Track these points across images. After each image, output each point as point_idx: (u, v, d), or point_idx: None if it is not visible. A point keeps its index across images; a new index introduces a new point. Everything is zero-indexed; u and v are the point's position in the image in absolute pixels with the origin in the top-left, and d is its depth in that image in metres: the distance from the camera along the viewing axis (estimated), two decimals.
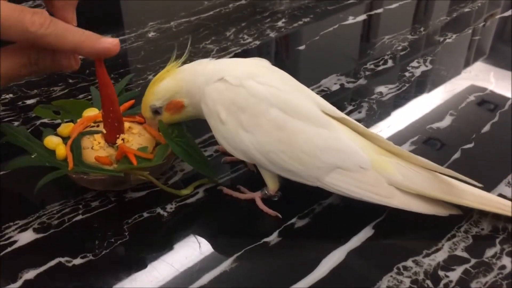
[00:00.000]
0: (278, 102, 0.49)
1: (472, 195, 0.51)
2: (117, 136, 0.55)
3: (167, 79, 0.52)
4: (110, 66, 0.79)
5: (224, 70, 0.51)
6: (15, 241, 0.49)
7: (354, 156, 0.50)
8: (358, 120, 0.68)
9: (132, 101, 0.62)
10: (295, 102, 0.50)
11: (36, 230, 0.50)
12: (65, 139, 0.56)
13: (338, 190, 0.50)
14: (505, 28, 1.01)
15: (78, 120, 0.58)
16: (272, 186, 0.53)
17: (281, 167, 0.50)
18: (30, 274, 0.46)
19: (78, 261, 0.47)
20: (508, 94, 0.75)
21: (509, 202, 0.51)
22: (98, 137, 0.55)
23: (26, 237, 0.50)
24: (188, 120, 0.55)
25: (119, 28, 0.96)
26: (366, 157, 0.50)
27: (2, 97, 0.73)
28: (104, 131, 0.55)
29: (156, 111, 0.53)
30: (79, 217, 0.52)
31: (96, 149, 0.54)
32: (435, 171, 0.51)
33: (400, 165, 0.51)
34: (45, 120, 0.67)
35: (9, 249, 0.48)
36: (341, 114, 0.52)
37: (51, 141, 0.54)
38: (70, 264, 0.47)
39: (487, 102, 0.73)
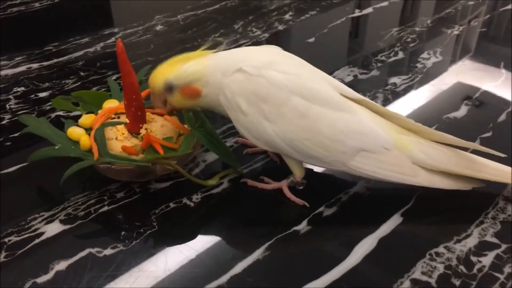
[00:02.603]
0: (298, 90, 0.49)
1: (492, 169, 0.52)
2: (140, 126, 0.54)
3: (195, 61, 0.50)
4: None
5: (241, 60, 0.50)
6: (42, 233, 0.48)
7: (377, 137, 0.50)
8: None
9: (148, 90, 0.61)
10: (314, 88, 0.50)
11: (63, 222, 0.50)
12: (87, 130, 0.55)
13: (364, 172, 0.50)
14: None
15: (99, 111, 0.57)
16: (298, 173, 0.53)
17: (306, 154, 0.50)
18: (61, 265, 0.45)
19: (109, 251, 0.47)
20: None
21: None
22: (121, 128, 0.54)
23: (53, 228, 0.49)
24: (194, 109, 0.54)
25: (124, 22, 0.95)
26: (388, 137, 0.50)
27: (14, 90, 0.72)
28: (128, 121, 0.54)
29: (169, 88, 0.50)
30: (105, 208, 0.51)
31: (120, 139, 0.53)
32: (456, 145, 0.52)
33: (421, 144, 0.51)
34: (60, 113, 0.66)
35: (37, 240, 0.48)
36: (359, 96, 0.52)
37: (75, 132, 0.54)
38: (101, 255, 0.46)
39: (501, 92, 0.74)
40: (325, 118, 0.49)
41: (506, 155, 0.52)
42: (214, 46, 0.52)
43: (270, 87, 0.49)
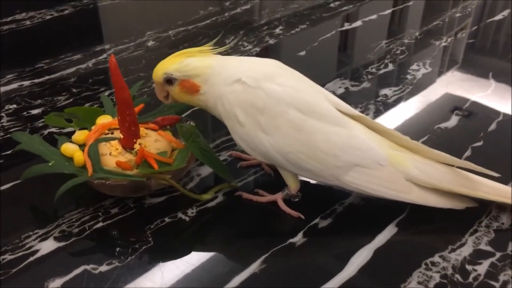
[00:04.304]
0: (295, 103, 0.49)
1: (487, 187, 0.52)
2: (134, 141, 0.54)
3: (198, 58, 0.51)
4: None
5: (242, 70, 0.50)
6: (37, 250, 0.48)
7: (372, 153, 0.50)
8: None
9: (142, 105, 0.61)
10: (312, 102, 0.50)
11: (57, 239, 0.49)
12: (80, 146, 0.55)
13: (357, 188, 0.51)
14: (501, 30, 1.04)
15: (93, 127, 0.57)
16: (293, 185, 0.53)
17: (300, 167, 0.50)
18: (56, 283, 0.45)
19: (104, 268, 0.46)
20: (508, 93, 0.77)
21: None
22: (115, 143, 0.54)
23: (47, 246, 0.49)
24: (190, 107, 0.54)
25: (115, 38, 0.96)
26: (383, 153, 0.51)
27: (6, 108, 0.71)
28: (121, 136, 0.54)
29: (169, 80, 0.51)
30: (100, 225, 0.51)
31: (114, 155, 0.53)
32: (451, 164, 0.52)
33: (415, 160, 0.52)
34: (53, 129, 0.66)
35: (31, 258, 0.47)
36: (356, 112, 0.53)
37: (68, 148, 0.54)
38: (96, 271, 0.46)
39: (490, 102, 0.75)
40: (321, 132, 0.49)
41: (499, 175, 0.52)
42: (217, 46, 0.52)
43: (267, 99, 0.49)
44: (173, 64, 0.50)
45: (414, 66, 0.86)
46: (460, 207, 0.52)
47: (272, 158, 0.50)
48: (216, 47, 0.52)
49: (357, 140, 0.50)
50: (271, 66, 0.53)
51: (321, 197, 0.56)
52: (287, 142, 0.49)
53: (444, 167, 0.52)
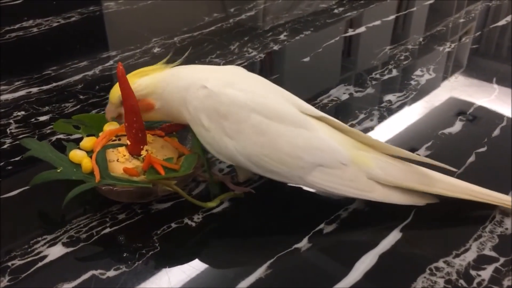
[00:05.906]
0: (258, 108, 0.51)
1: (444, 183, 0.53)
2: (141, 147, 0.55)
3: (149, 76, 0.53)
4: None
5: (203, 78, 0.52)
6: (45, 256, 0.49)
7: (335, 153, 0.51)
8: (371, 128, 0.69)
9: None
10: (274, 106, 0.52)
11: (65, 244, 0.50)
12: (88, 153, 0.56)
13: (321, 188, 0.52)
14: (505, 35, 1.04)
15: (100, 134, 0.58)
16: (241, 176, 0.57)
17: (265, 169, 0.52)
18: None
19: (112, 273, 0.47)
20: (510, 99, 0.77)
21: (479, 188, 0.53)
22: (122, 149, 0.55)
23: (56, 251, 0.49)
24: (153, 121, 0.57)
25: (121, 45, 0.96)
26: (346, 153, 0.52)
27: (14, 115, 0.72)
28: (128, 143, 0.55)
29: None
30: (107, 230, 0.52)
31: (121, 161, 0.54)
32: (411, 159, 0.54)
33: (378, 159, 0.53)
34: (61, 136, 0.67)
35: (40, 263, 0.48)
36: (319, 113, 0.54)
37: (76, 154, 0.54)
38: (104, 277, 0.46)
39: (494, 107, 0.75)
40: (284, 135, 0.51)
41: (456, 170, 0.53)
42: (171, 61, 0.54)
43: (231, 105, 0.51)
44: None
45: (418, 72, 0.86)
46: (421, 203, 0.53)
47: (237, 161, 0.52)
48: (168, 63, 0.54)
49: (320, 141, 0.52)
50: (232, 72, 0.55)
51: (326, 202, 0.56)
52: (251, 146, 0.51)
53: (405, 165, 0.54)
